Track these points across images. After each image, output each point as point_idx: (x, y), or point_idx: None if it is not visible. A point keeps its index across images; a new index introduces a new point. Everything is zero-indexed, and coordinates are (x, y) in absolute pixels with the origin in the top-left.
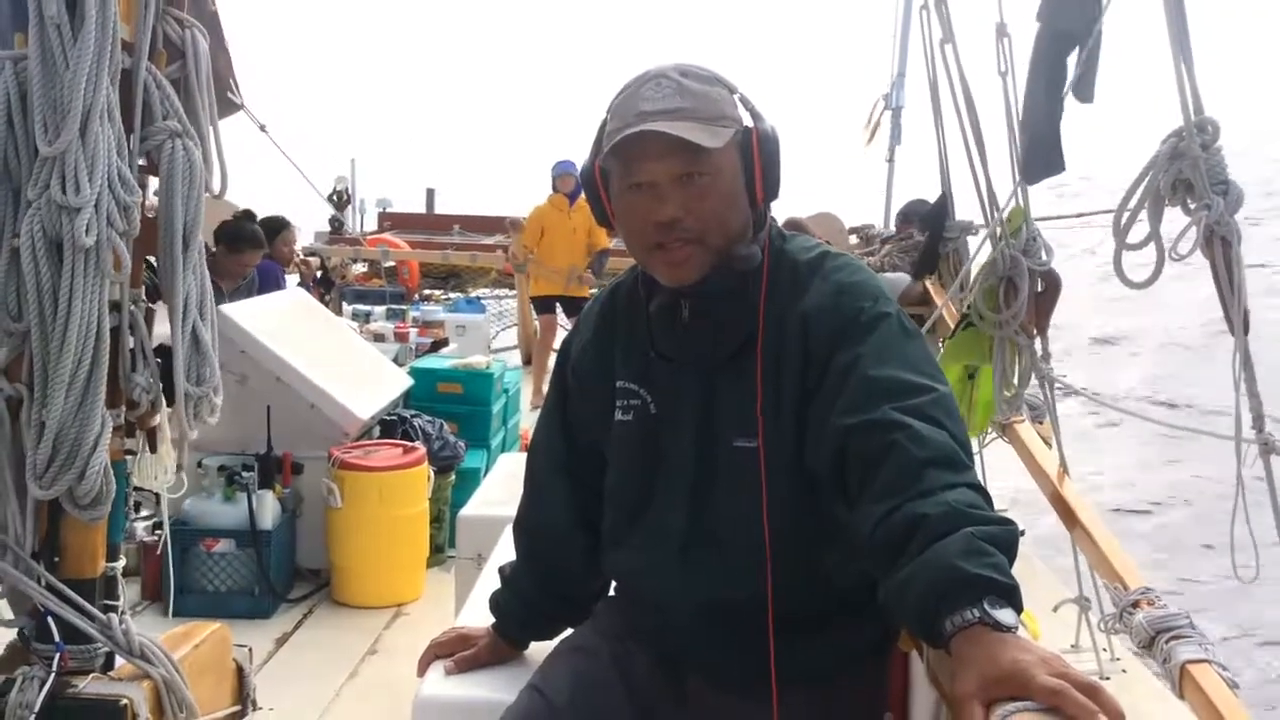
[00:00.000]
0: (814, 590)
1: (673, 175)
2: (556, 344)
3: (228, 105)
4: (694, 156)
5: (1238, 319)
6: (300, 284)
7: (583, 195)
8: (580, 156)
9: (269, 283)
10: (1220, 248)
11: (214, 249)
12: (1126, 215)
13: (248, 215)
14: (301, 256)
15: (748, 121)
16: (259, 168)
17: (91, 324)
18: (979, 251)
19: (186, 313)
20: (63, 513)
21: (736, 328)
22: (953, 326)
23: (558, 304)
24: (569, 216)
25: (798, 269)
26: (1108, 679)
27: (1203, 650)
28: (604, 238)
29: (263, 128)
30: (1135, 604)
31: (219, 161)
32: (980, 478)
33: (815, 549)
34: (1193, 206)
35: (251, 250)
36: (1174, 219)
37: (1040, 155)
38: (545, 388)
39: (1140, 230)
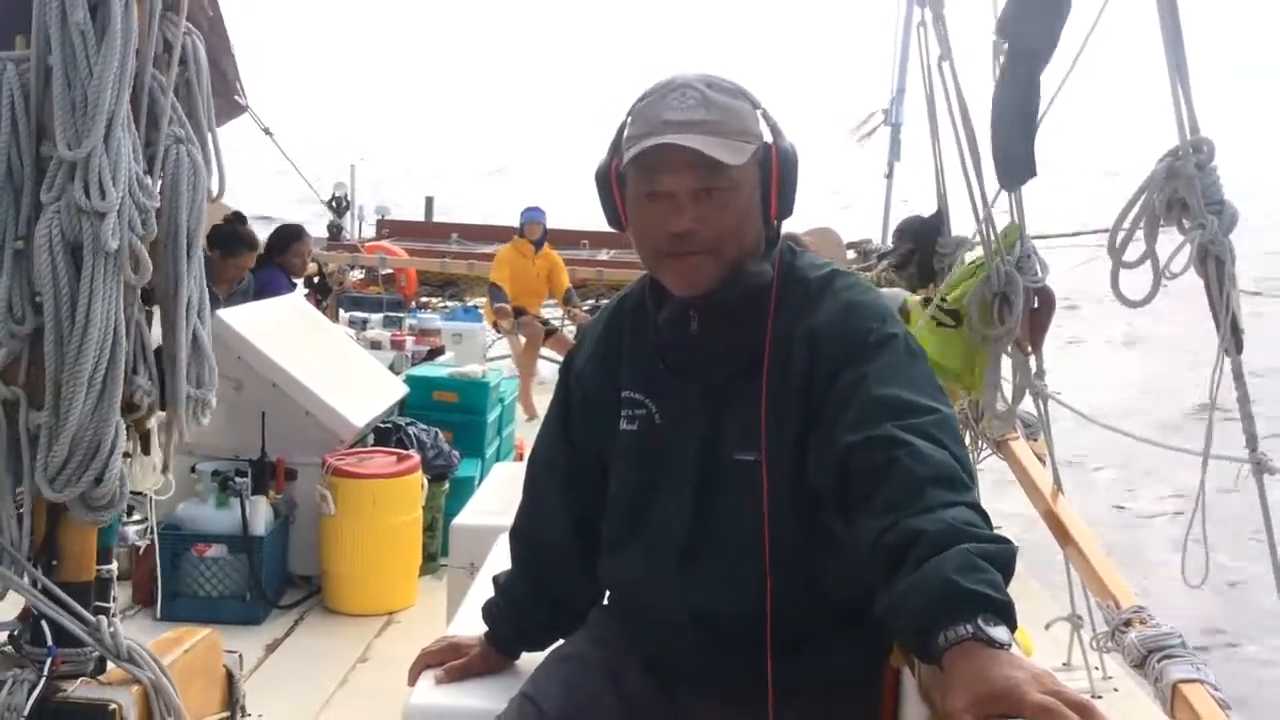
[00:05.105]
0: (809, 605)
1: (691, 188)
2: (549, 352)
3: (234, 107)
4: (714, 171)
5: (1228, 336)
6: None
7: (547, 244)
8: (576, 173)
9: (273, 294)
10: (1214, 267)
11: (209, 253)
12: (1122, 235)
13: (238, 217)
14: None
15: (768, 137)
16: (256, 172)
17: (110, 327)
18: (961, 252)
19: (188, 316)
20: (62, 516)
21: (745, 343)
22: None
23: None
24: (533, 263)
25: (808, 286)
26: (1099, 697)
27: (1194, 670)
28: (565, 278)
29: (268, 131)
30: (1128, 623)
31: (218, 165)
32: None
33: (812, 564)
34: (1187, 226)
35: (247, 253)
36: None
37: (1016, 166)
38: (533, 395)
39: (1135, 249)
